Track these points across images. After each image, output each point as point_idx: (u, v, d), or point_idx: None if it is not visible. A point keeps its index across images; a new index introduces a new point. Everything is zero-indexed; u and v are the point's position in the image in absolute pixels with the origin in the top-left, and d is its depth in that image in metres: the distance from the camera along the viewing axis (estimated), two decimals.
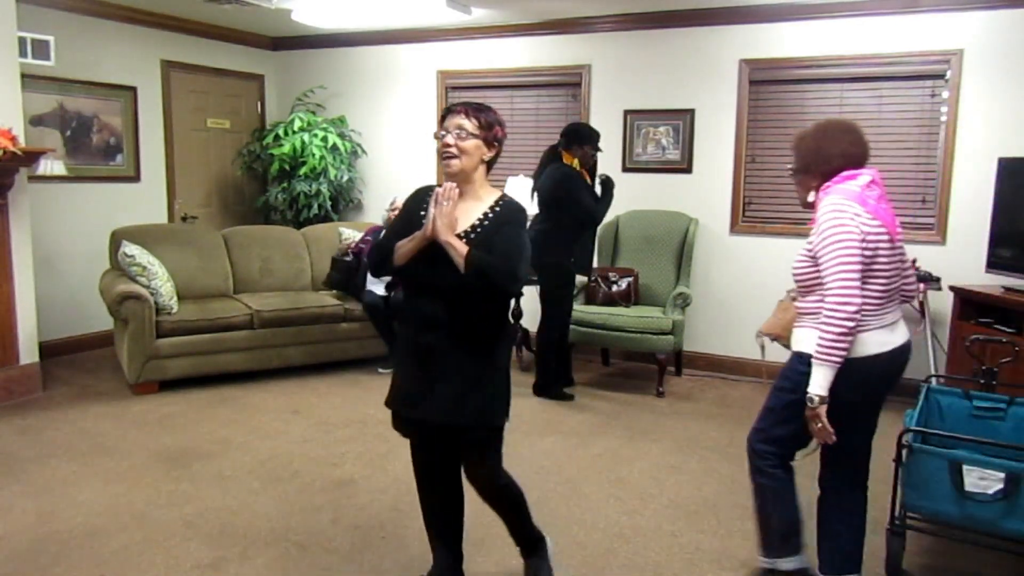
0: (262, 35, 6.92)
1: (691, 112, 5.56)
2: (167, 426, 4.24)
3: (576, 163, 4.70)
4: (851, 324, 2.22)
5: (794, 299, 2.58)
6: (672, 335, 4.98)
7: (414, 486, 2.54)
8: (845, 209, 2.29)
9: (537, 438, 4.17)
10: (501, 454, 2.44)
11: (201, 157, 6.63)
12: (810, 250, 2.38)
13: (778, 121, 5.33)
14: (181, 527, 3.07)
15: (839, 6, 5.04)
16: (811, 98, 5.25)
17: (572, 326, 5.00)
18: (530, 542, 2.58)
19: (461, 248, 2.19)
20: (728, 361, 5.57)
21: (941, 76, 4.87)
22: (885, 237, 2.31)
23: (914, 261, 4.67)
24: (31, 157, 4.53)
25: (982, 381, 3.10)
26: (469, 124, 2.28)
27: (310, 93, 6.86)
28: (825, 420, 2.29)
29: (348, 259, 5.54)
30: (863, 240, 2.26)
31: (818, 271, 2.34)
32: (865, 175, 2.37)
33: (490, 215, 2.30)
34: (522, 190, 5.16)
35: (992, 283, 4.39)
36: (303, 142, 6.29)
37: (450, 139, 2.27)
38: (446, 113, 2.35)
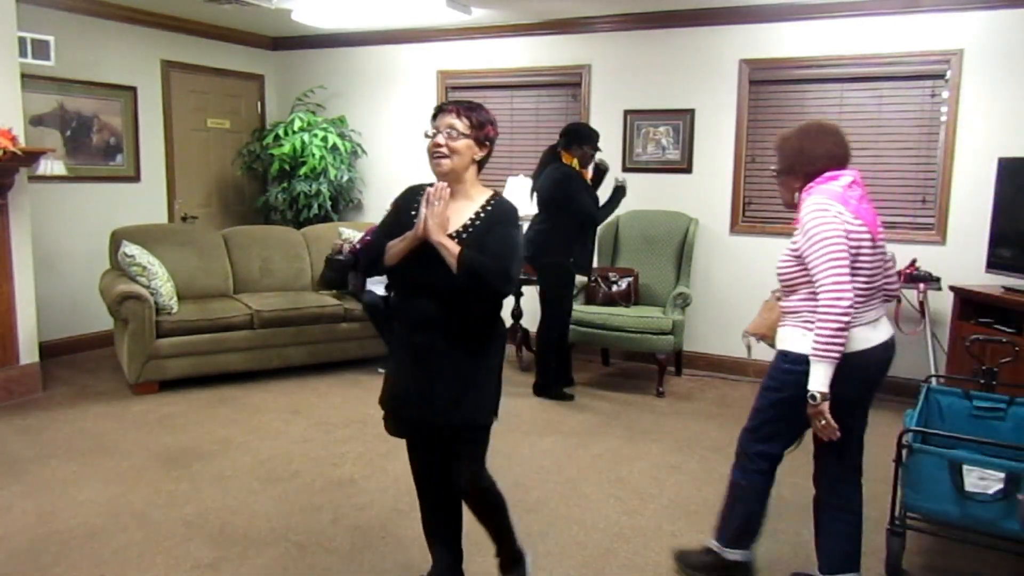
0: (262, 35, 6.92)
1: (691, 112, 5.56)
2: (167, 426, 4.24)
3: (576, 163, 4.70)
4: (846, 319, 2.25)
5: (779, 299, 2.60)
6: (672, 335, 4.98)
7: (413, 486, 2.54)
8: (828, 208, 2.32)
9: (537, 438, 4.17)
10: (485, 455, 2.40)
11: (201, 157, 6.63)
12: (795, 250, 2.41)
13: (778, 121, 5.31)
14: (181, 527, 3.07)
15: (839, 6, 5.04)
16: (811, 98, 5.25)
17: (572, 326, 5.00)
18: (511, 557, 2.53)
19: (453, 248, 2.17)
20: (728, 361, 5.57)
21: (941, 76, 4.87)
22: (867, 237, 2.35)
23: (914, 261, 4.69)
24: (31, 157, 4.53)
25: (982, 381, 3.10)
26: (460, 124, 2.24)
27: (310, 93, 6.86)
28: (829, 416, 2.30)
29: (342, 257, 5.53)
30: (847, 238, 2.29)
31: (803, 271, 2.37)
32: (847, 176, 2.40)
33: (481, 215, 2.28)
34: (522, 190, 5.16)
35: (992, 283, 4.39)
36: (303, 142, 6.29)
37: (441, 139, 2.24)
38: (437, 112, 2.30)
